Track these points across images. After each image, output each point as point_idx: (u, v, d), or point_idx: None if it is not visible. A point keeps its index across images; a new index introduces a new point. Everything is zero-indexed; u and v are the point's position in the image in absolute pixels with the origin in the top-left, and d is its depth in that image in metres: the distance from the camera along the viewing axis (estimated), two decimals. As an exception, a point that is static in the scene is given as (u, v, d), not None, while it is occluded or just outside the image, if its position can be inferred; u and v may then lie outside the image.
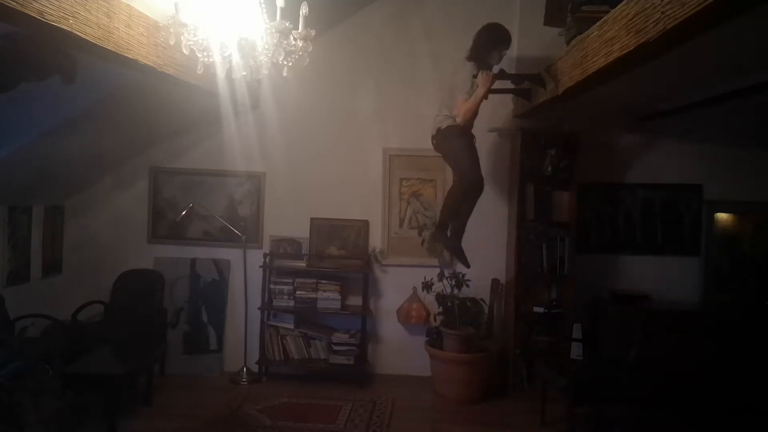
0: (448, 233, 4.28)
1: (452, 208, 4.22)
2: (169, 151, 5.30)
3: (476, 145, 4.25)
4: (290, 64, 2.72)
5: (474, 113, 4.07)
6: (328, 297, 5.09)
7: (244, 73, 2.72)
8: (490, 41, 4.07)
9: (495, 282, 5.09)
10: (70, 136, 4.08)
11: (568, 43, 3.62)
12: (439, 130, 4.19)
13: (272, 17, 2.63)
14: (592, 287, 4.95)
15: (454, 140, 4.12)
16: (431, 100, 4.96)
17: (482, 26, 4.13)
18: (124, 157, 5.23)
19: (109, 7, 2.70)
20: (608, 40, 2.81)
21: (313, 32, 2.69)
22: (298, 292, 5.10)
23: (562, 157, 4.82)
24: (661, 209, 5.13)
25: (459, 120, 4.04)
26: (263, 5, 2.67)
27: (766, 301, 4.86)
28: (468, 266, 4.36)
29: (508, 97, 4.90)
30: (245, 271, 5.17)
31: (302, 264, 5.19)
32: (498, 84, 4.23)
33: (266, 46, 2.63)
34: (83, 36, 2.52)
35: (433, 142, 4.27)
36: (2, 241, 4.50)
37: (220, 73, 2.72)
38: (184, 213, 5.17)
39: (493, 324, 5.05)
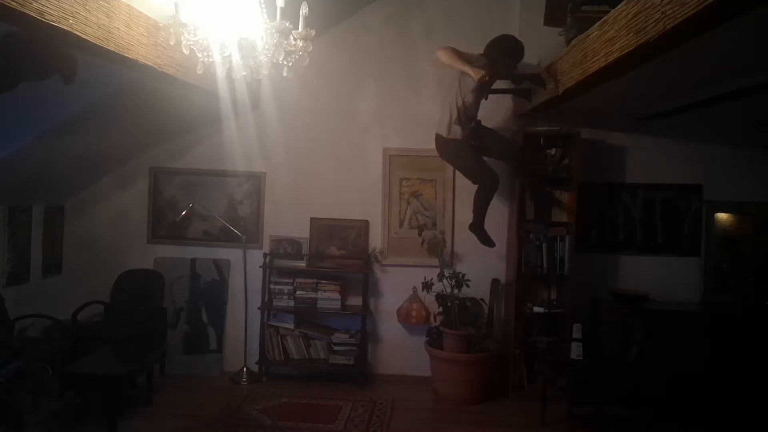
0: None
1: (483, 209, 4.48)
2: (169, 151, 5.30)
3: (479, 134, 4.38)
4: (290, 64, 2.72)
5: (458, 60, 4.02)
6: (328, 297, 5.09)
7: (244, 73, 2.72)
8: (502, 50, 4.21)
9: (495, 282, 5.09)
10: (70, 136, 4.08)
11: (568, 43, 3.62)
12: (438, 136, 4.35)
13: (272, 17, 2.63)
14: (592, 287, 4.95)
15: (454, 155, 4.39)
16: (431, 100, 4.98)
17: (500, 36, 4.28)
18: (124, 157, 5.23)
19: (109, 7, 2.71)
20: (608, 40, 2.81)
21: (313, 32, 2.69)
22: (298, 292, 5.10)
23: (562, 157, 4.83)
24: (661, 209, 5.13)
25: (469, 70, 3.97)
26: (263, 5, 2.67)
27: (766, 301, 4.86)
28: (493, 245, 4.59)
29: (508, 97, 4.90)
30: (245, 271, 5.17)
31: (302, 264, 5.19)
32: (498, 84, 4.23)
33: (266, 46, 2.63)
34: (83, 36, 2.52)
35: (438, 151, 4.50)
36: (2, 241, 4.50)
37: (220, 73, 2.73)
38: (184, 213, 5.17)
39: (493, 324, 5.05)
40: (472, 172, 4.46)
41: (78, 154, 4.57)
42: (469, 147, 4.33)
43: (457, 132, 4.26)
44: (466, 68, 3.95)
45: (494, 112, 4.92)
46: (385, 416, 4.37)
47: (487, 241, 4.53)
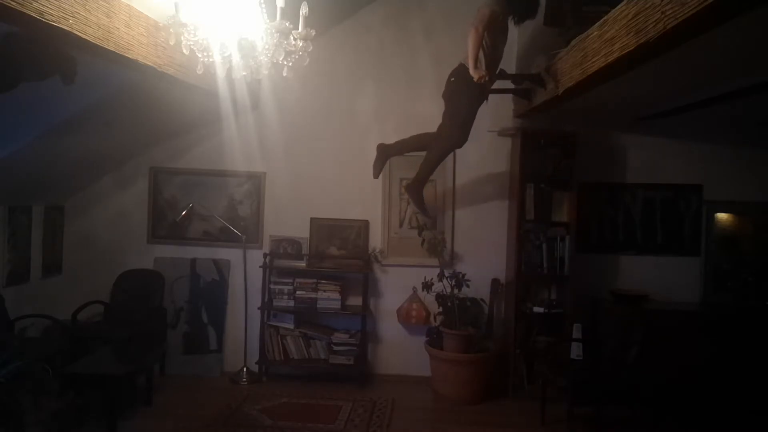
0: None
1: (434, 167, 4.32)
2: (169, 151, 5.30)
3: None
4: (290, 64, 2.72)
5: (477, 49, 3.82)
6: (328, 297, 5.09)
7: (244, 73, 2.72)
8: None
9: (495, 282, 5.09)
10: (70, 136, 4.08)
11: (568, 43, 3.61)
12: (462, 65, 4.01)
13: (272, 17, 2.63)
14: (592, 287, 4.95)
15: (464, 89, 4.00)
16: (431, 100, 4.98)
17: None
18: (124, 157, 5.23)
19: (109, 7, 2.70)
20: (608, 40, 2.80)
21: (313, 32, 2.69)
22: (298, 292, 5.10)
23: (562, 157, 4.82)
24: (661, 209, 5.13)
25: (471, 67, 3.83)
26: (263, 5, 2.67)
27: (766, 301, 4.86)
28: (427, 216, 4.61)
29: (508, 97, 4.90)
30: (245, 271, 5.17)
31: (302, 264, 5.19)
32: (498, 84, 4.23)
33: (266, 46, 2.63)
34: (83, 36, 2.52)
35: (447, 83, 4.15)
36: (2, 241, 4.50)
37: (220, 73, 2.73)
38: (184, 213, 5.17)
39: (493, 324, 5.05)
40: (461, 118, 4.09)
41: (78, 154, 4.57)
42: (480, 93, 4.08)
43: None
44: (471, 63, 3.88)
45: (494, 112, 4.92)
46: (385, 416, 4.37)
47: (423, 207, 4.42)
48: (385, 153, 4.50)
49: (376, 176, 4.54)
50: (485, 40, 3.89)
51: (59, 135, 3.98)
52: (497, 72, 4.19)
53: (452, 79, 4.14)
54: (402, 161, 5.21)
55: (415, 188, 4.42)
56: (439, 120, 4.29)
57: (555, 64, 3.78)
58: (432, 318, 5.05)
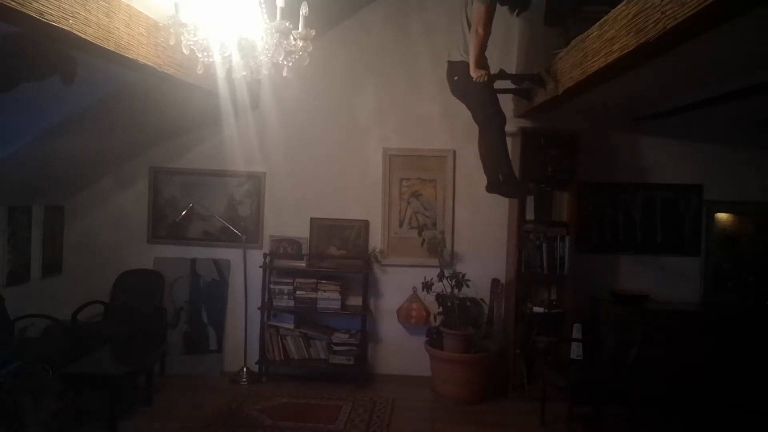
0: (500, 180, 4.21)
1: (505, 155, 4.13)
2: (169, 151, 5.30)
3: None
4: (290, 64, 2.72)
5: (482, 51, 3.87)
6: (328, 297, 5.09)
7: (244, 73, 2.72)
8: None
9: (495, 282, 5.09)
10: (70, 136, 4.08)
11: (568, 43, 3.62)
12: (450, 63, 4.06)
13: (272, 17, 2.63)
14: (592, 287, 4.95)
15: (471, 84, 3.99)
16: (431, 100, 5.00)
17: None
18: (124, 157, 5.23)
19: (109, 7, 2.70)
20: (608, 40, 2.81)
21: (313, 32, 2.69)
22: (298, 292, 5.10)
23: (562, 157, 4.82)
24: (661, 209, 5.13)
25: (472, 67, 3.88)
26: (263, 5, 2.67)
27: (766, 301, 4.86)
28: (535, 194, 4.56)
29: (508, 97, 4.89)
30: (245, 271, 5.17)
31: (302, 264, 5.19)
32: (498, 84, 4.23)
33: (266, 46, 2.63)
34: (83, 36, 2.52)
35: (452, 83, 4.17)
36: (2, 241, 4.50)
37: (220, 73, 2.73)
38: (184, 213, 5.17)
39: (493, 324, 5.05)
40: (490, 107, 4.05)
41: (78, 155, 4.57)
42: (490, 82, 4.05)
43: (484, 65, 3.96)
44: (473, 64, 3.88)
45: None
46: (385, 416, 4.37)
47: (525, 189, 4.40)
48: (510, 173, 4.24)
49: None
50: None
51: (59, 135, 3.98)
52: (498, 72, 4.19)
53: (456, 78, 4.13)
54: (403, 161, 5.24)
55: (511, 183, 4.21)
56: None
57: (555, 64, 3.79)
58: (432, 318, 5.05)
